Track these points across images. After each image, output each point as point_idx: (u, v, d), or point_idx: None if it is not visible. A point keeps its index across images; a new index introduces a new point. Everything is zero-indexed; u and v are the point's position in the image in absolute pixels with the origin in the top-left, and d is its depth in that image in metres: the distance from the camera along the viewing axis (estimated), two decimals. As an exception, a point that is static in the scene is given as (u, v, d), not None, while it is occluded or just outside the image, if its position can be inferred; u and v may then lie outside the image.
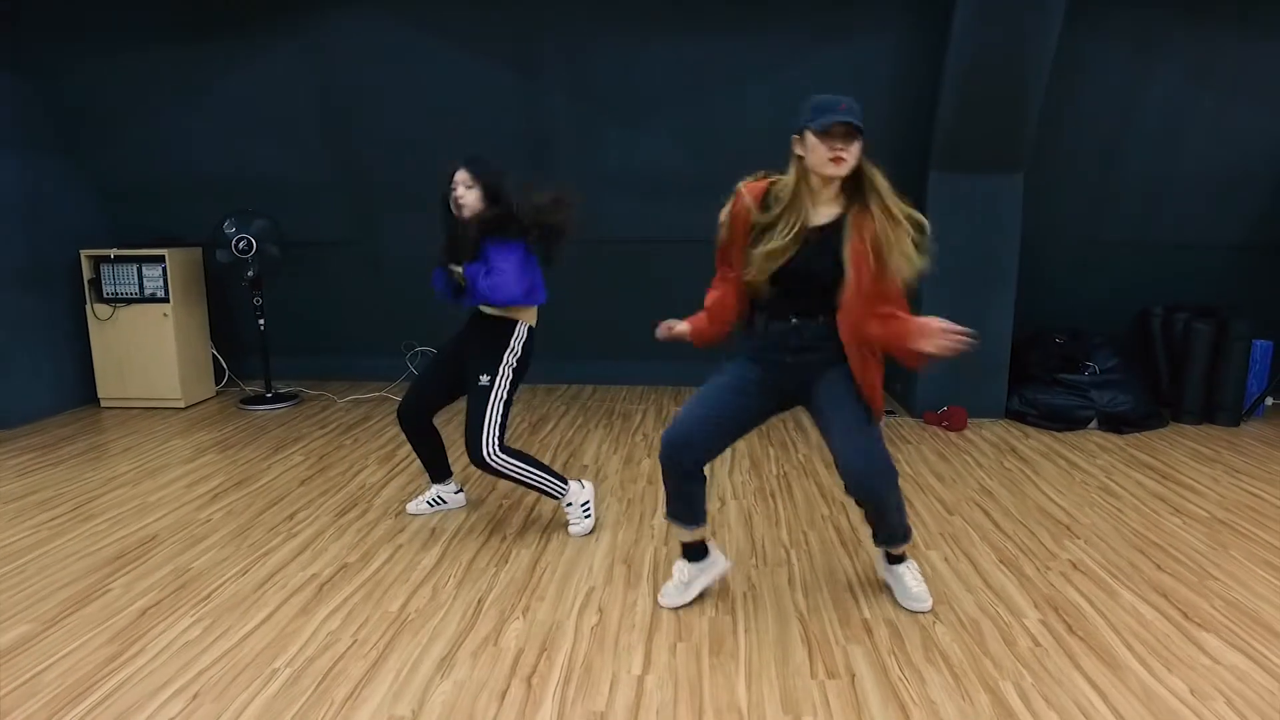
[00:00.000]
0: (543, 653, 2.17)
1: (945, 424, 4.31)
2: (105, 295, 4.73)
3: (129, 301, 4.74)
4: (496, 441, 2.72)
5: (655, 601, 2.43)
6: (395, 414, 3.26)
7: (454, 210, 2.71)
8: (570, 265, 4.99)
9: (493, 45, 4.42)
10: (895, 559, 2.42)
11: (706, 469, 2.30)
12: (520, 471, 2.78)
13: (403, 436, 4.15)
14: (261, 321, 4.88)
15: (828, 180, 2.09)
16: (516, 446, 3.87)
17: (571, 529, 2.91)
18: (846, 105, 2.02)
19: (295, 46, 4.46)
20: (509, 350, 2.78)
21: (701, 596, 2.46)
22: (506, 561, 2.72)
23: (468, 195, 2.67)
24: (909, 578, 2.39)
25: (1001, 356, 4.43)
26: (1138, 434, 4.20)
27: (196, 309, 4.98)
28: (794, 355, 2.23)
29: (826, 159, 2.03)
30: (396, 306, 5.12)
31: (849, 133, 2.02)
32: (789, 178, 2.12)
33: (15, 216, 4.41)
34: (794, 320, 2.20)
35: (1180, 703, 1.92)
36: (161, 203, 4.99)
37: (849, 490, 2.18)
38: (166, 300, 4.73)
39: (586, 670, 2.08)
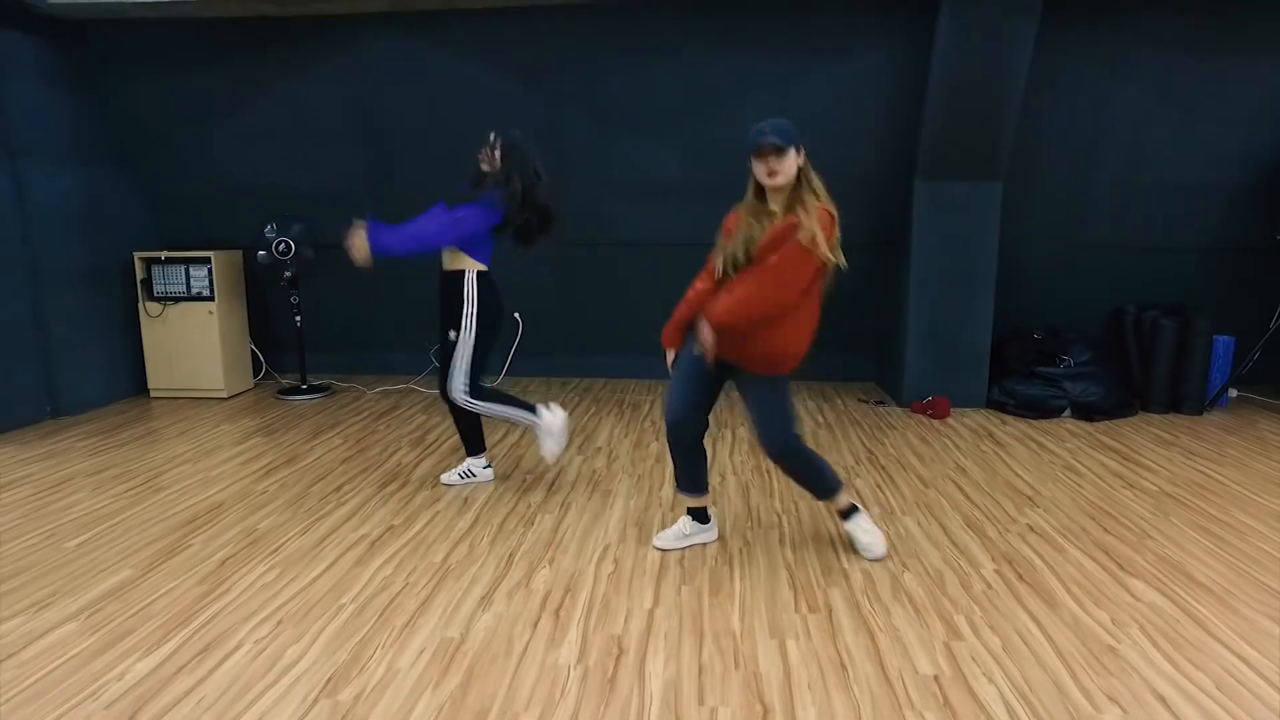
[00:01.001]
0: (567, 592, 2.55)
1: (930, 413, 4.68)
2: (156, 294, 5.15)
3: (177, 300, 5.16)
4: (464, 385, 3.23)
5: (663, 555, 2.81)
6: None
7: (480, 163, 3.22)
8: (580, 267, 5.46)
9: (512, 63, 4.82)
10: (844, 514, 2.82)
11: (707, 443, 2.73)
12: (490, 410, 3.31)
13: (433, 423, 4.55)
14: (298, 318, 5.28)
15: (773, 190, 2.50)
16: (531, 434, 4.27)
17: (543, 449, 3.38)
18: (770, 127, 2.44)
19: (332, 65, 4.87)
20: (467, 302, 3.21)
21: (704, 549, 2.84)
22: (532, 524, 3.11)
23: (490, 155, 3.18)
24: (859, 531, 2.79)
25: (982, 351, 4.79)
26: (1108, 422, 4.56)
27: (238, 307, 5.39)
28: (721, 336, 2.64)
29: (764, 174, 2.48)
30: (421, 305, 5.51)
31: (775, 149, 2.43)
32: (748, 194, 2.58)
33: (76, 223, 4.83)
34: None
35: (1102, 629, 2.29)
36: (207, 209, 5.40)
37: (767, 457, 2.72)
38: (211, 298, 5.14)
39: (605, 606, 2.46)
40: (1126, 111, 4.64)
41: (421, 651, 2.22)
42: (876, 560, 2.75)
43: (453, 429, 4.32)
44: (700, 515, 2.89)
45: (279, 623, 2.37)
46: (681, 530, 2.88)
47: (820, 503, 2.94)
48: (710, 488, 3.01)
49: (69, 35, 4.73)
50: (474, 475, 3.56)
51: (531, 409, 3.37)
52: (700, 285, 2.68)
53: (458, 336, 3.23)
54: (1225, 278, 5.02)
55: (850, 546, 2.85)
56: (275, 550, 2.88)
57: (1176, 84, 4.54)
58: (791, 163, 2.45)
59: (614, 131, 4.99)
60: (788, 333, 2.51)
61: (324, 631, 2.32)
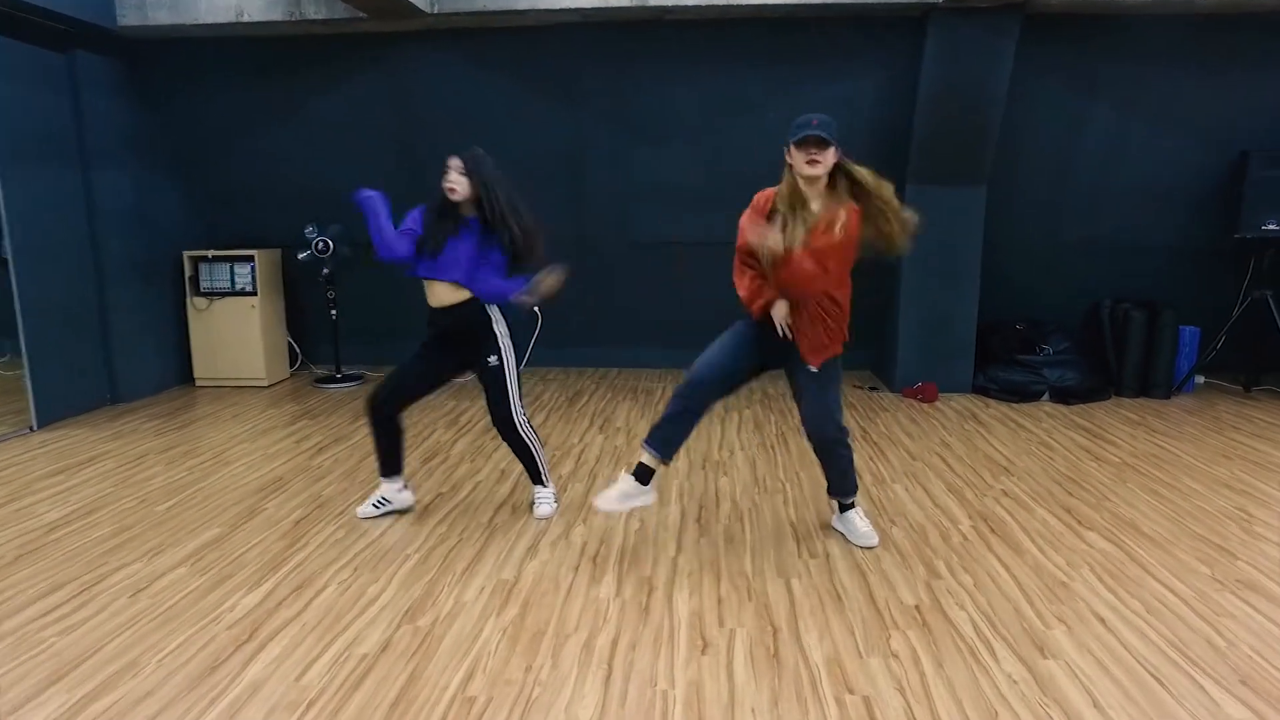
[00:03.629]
0: (602, 543, 2.96)
1: (919, 397, 5.09)
2: (203, 289, 5.55)
3: (223, 295, 5.56)
4: (523, 409, 3.12)
5: (683, 513, 3.22)
6: (366, 401, 3.20)
7: (445, 193, 2.95)
8: (601, 265, 5.86)
9: (541, 77, 5.24)
10: (846, 507, 2.98)
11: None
12: (534, 442, 3.17)
13: (463, 406, 4.95)
14: (334, 312, 5.69)
15: (810, 181, 2.60)
16: (555, 416, 4.67)
17: (539, 510, 3.21)
18: (818, 121, 2.52)
19: (371, 79, 5.28)
20: (497, 324, 3.06)
21: (718, 508, 3.25)
22: (565, 490, 3.52)
23: (460, 181, 2.92)
24: (858, 520, 2.95)
25: (968, 340, 5.21)
26: (1083, 405, 4.97)
27: (276, 301, 5.80)
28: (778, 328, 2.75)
29: (804, 163, 2.56)
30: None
31: (819, 141, 2.53)
32: (784, 184, 2.67)
33: (130, 222, 5.23)
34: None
35: (1057, 569, 2.71)
36: (251, 211, 5.81)
37: (811, 439, 2.84)
38: (254, 294, 5.55)
39: (635, 554, 2.87)
40: (1099, 123, 5.06)
41: (482, 589, 2.63)
42: (869, 549, 2.92)
43: (484, 411, 4.69)
44: (643, 476, 2.82)
45: (356, 568, 2.78)
46: (624, 490, 2.83)
47: (831, 499, 3.05)
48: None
49: (134, 52, 5.14)
50: (389, 503, 3.26)
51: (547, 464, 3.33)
52: (748, 280, 2.75)
53: (500, 362, 3.07)
54: (1190, 273, 5.43)
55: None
56: (341, 513, 3.28)
57: (1144, 97, 4.97)
58: (831, 157, 2.55)
59: (632, 141, 5.40)
60: (845, 314, 2.80)
61: (397, 574, 2.73)
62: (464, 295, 3.02)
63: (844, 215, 2.61)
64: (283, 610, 2.50)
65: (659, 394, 5.27)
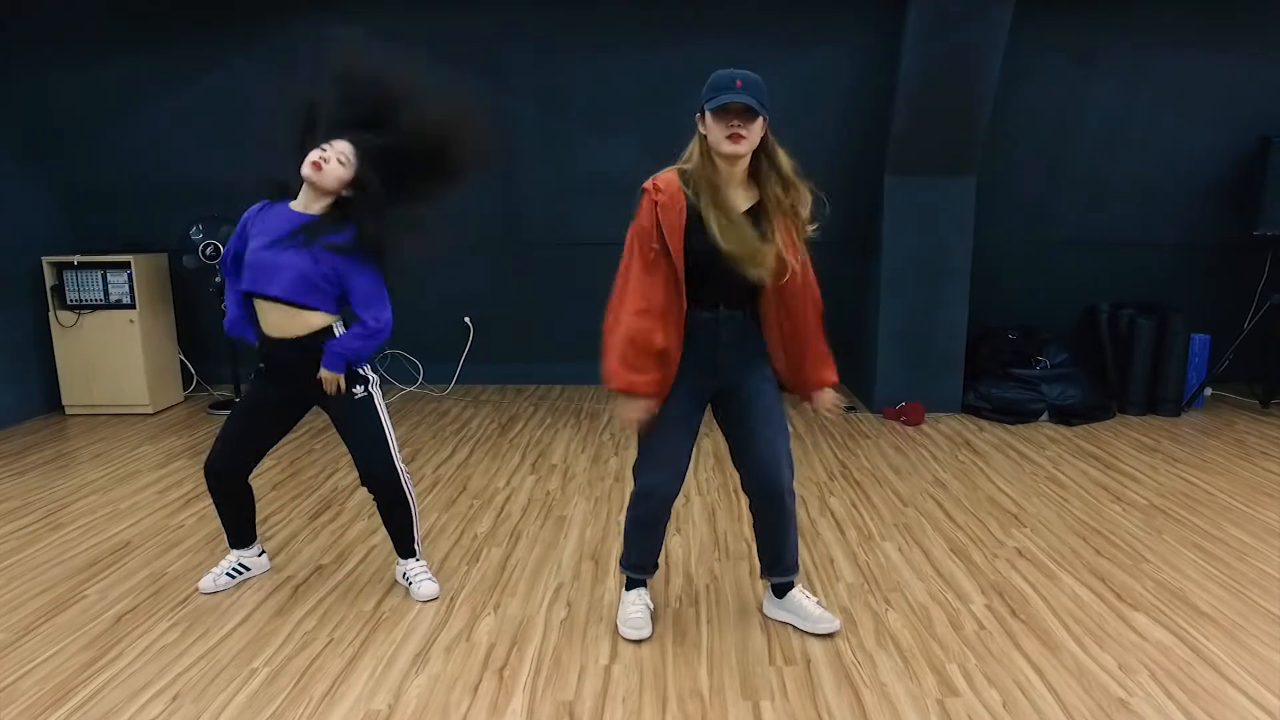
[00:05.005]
0: (513, 646, 2.25)
1: (903, 419, 4.46)
2: (69, 302, 4.71)
3: (94, 308, 4.72)
4: (400, 461, 2.46)
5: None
6: (203, 472, 2.52)
7: (303, 169, 2.26)
8: (539, 267, 5.12)
9: (461, 54, 4.47)
10: (786, 589, 2.31)
11: None
12: (413, 503, 2.52)
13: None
14: (229, 327, 4.88)
15: (731, 160, 2.01)
16: (481, 450, 3.96)
17: (423, 589, 2.50)
18: (743, 82, 1.94)
19: (263, 53, 4.47)
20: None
21: (665, 586, 2.56)
22: (478, 559, 2.80)
23: (334, 169, 2.26)
24: (806, 601, 2.28)
25: (956, 352, 4.59)
26: (1086, 425, 4.39)
27: (163, 315, 4.98)
28: (723, 352, 2.13)
29: (723, 137, 1.96)
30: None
31: (743, 111, 1.94)
32: (693, 163, 2.05)
33: (-25, 223, 4.38)
34: (721, 310, 2.10)
35: (1110, 677, 2.07)
36: (126, 208, 4.97)
37: (759, 491, 2.18)
38: (133, 306, 4.72)
39: (556, 662, 2.18)
40: (1100, 103, 4.46)
41: (342, 729, 1.91)
42: (831, 633, 2.26)
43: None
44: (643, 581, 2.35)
45: (174, 697, 2.04)
46: (646, 606, 2.31)
47: (766, 581, 2.36)
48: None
49: (-40, 17, 4.28)
50: (247, 569, 2.65)
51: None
52: (640, 312, 2.03)
53: (365, 395, 2.40)
54: (1198, 273, 4.89)
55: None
56: (183, 601, 2.53)
57: (1151, 74, 4.37)
58: (759, 130, 1.99)
59: (569, 127, 4.67)
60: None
61: (228, 707, 2.00)
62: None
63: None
64: (46, 779, 1.76)
65: (605, 417, 4.57)
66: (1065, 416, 4.42)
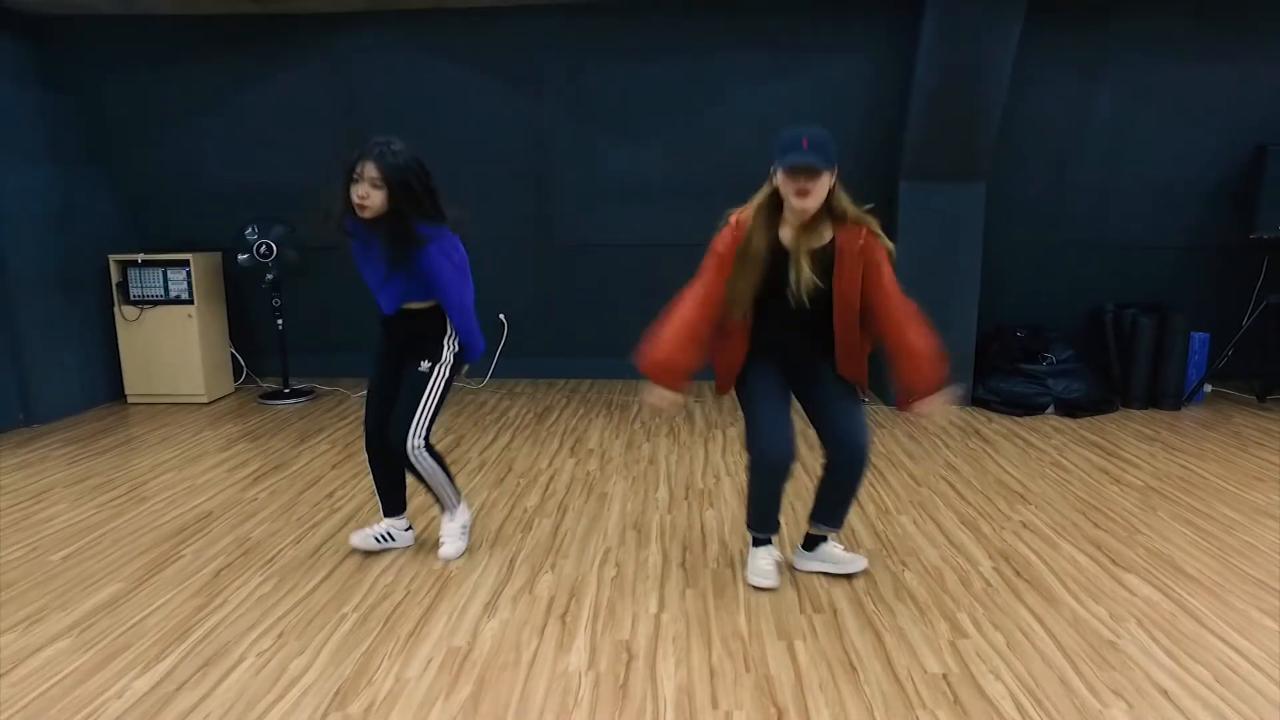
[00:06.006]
0: (572, 597, 2.54)
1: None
2: (132, 298, 5.03)
3: (155, 303, 5.05)
4: (425, 436, 2.65)
5: (665, 558, 2.81)
6: (364, 442, 2.82)
7: (354, 208, 2.45)
8: (567, 268, 5.41)
9: (497, 64, 4.79)
10: (818, 541, 2.64)
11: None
12: (433, 474, 2.71)
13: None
14: (280, 321, 5.20)
15: (799, 212, 2.22)
16: (521, 436, 4.24)
17: (443, 549, 2.80)
18: (809, 141, 2.12)
19: (313, 64, 4.80)
20: (449, 337, 2.69)
21: (705, 550, 2.84)
22: (530, 529, 3.09)
23: (374, 196, 2.42)
24: (835, 549, 2.64)
25: (967, 349, 4.85)
26: (1090, 418, 4.64)
27: (217, 310, 5.30)
28: (799, 356, 2.47)
29: (792, 193, 2.18)
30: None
31: (809, 171, 2.13)
32: (754, 205, 2.29)
33: (48, 224, 4.70)
34: (800, 330, 2.40)
35: (1101, 624, 2.34)
36: (185, 210, 5.29)
37: (842, 450, 2.44)
38: (191, 302, 5.04)
39: (610, 611, 2.46)
40: (1105, 111, 4.73)
41: (429, 661, 2.20)
42: (859, 571, 2.65)
43: (467, 422, 4.25)
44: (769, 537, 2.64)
45: (280, 635, 2.33)
46: (775, 560, 2.61)
47: (814, 530, 2.65)
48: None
49: (39, 31, 4.61)
50: (393, 539, 2.90)
51: (458, 494, 2.87)
52: (697, 313, 2.37)
53: (431, 369, 2.65)
54: (1200, 274, 5.13)
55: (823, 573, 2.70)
56: (270, 560, 2.83)
57: (1153, 84, 4.63)
58: (825, 185, 2.18)
59: (597, 134, 4.97)
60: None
61: (328, 642, 2.29)
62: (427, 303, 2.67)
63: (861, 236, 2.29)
64: (182, 697, 2.05)
65: (635, 409, 4.86)
66: (1070, 409, 4.67)
